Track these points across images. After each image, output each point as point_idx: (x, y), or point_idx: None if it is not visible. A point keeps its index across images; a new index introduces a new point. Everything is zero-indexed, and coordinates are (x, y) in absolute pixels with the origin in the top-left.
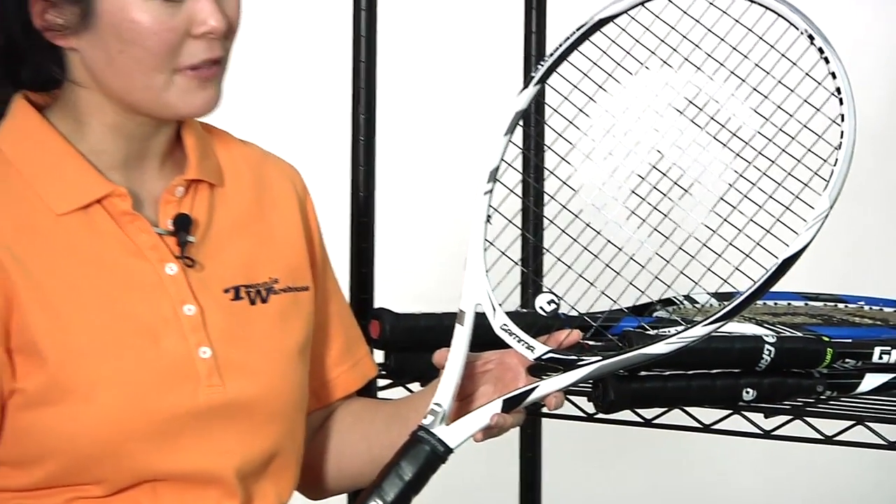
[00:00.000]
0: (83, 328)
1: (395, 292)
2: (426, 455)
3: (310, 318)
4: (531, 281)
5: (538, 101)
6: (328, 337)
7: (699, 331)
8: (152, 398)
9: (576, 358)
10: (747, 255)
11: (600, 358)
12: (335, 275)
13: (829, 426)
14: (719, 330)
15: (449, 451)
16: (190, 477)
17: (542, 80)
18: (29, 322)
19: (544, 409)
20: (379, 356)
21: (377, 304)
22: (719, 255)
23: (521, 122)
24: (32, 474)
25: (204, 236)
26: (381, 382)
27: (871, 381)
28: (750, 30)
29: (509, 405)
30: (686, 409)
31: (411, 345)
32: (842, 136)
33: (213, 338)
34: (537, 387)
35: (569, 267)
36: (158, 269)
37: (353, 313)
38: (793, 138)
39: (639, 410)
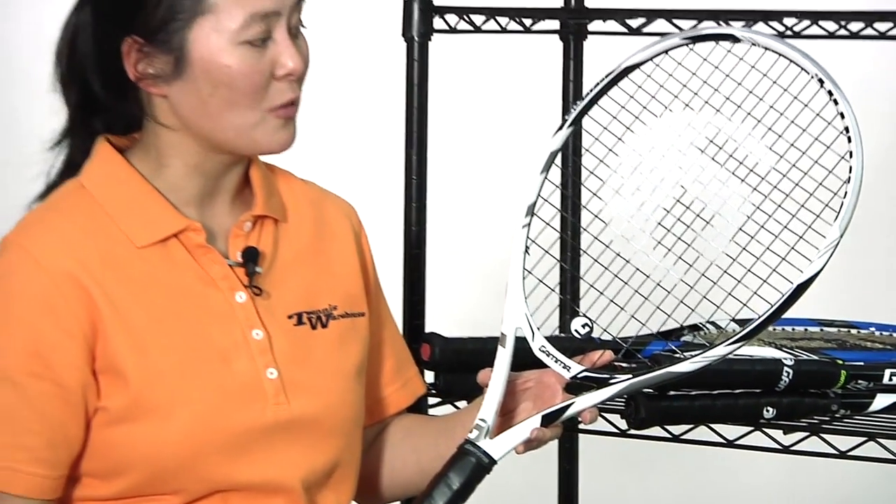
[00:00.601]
0: (162, 352)
1: (444, 318)
2: (472, 466)
3: (365, 341)
4: (567, 306)
5: (571, 142)
6: (381, 358)
7: (720, 350)
8: (225, 415)
9: (608, 376)
10: (764, 281)
11: (631, 376)
12: (387, 301)
13: (843, 442)
14: (742, 353)
15: (493, 462)
16: (259, 487)
17: (575, 123)
18: (113, 346)
19: (581, 426)
20: (429, 377)
21: (428, 328)
22: (738, 281)
23: (556, 161)
24: (115, 485)
25: (269, 267)
26: (432, 401)
27: (881, 400)
28: (765, 74)
29: (548, 420)
30: (711, 425)
31: (459, 366)
32: (850, 171)
33: (279, 360)
34: (573, 403)
35: (601, 293)
36: (229, 298)
37: (406, 338)
38: (805, 173)
39: (667, 427)
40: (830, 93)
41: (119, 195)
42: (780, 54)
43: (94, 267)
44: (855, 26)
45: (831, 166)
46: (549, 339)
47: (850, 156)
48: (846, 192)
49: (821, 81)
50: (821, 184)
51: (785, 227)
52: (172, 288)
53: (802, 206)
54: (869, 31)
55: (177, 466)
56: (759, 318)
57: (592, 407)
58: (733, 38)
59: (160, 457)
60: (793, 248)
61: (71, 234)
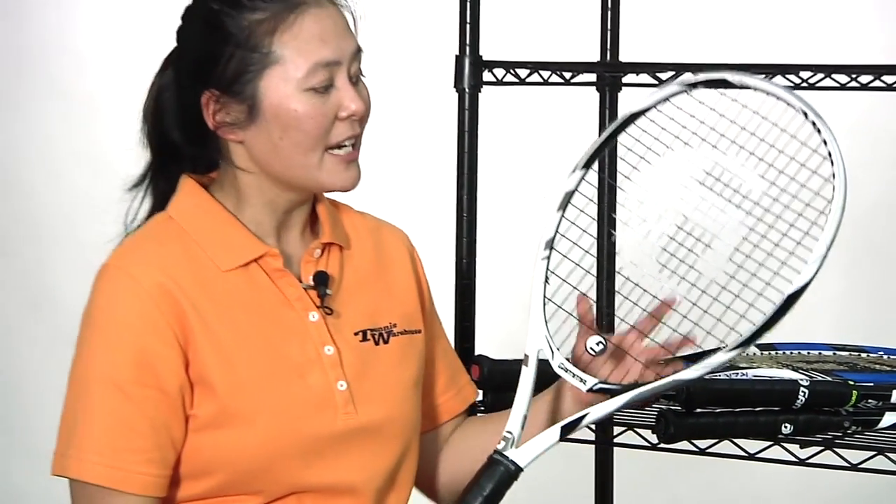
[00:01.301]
0: (246, 365)
1: (492, 342)
2: (500, 474)
3: (422, 355)
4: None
5: (599, 188)
6: (436, 370)
7: (721, 357)
8: (301, 423)
9: (620, 387)
10: (760, 294)
11: (637, 386)
12: (440, 319)
13: (854, 456)
14: (762, 374)
15: (519, 469)
16: (330, 488)
17: (587, 166)
18: (202, 358)
19: (616, 440)
20: (479, 394)
21: (477, 351)
22: (736, 296)
23: (570, 200)
24: (202, 485)
25: (337, 289)
26: (481, 416)
27: (889, 418)
28: (755, 112)
29: (566, 430)
30: (734, 440)
31: (505, 385)
32: (833, 191)
33: (347, 373)
34: (588, 413)
35: (613, 313)
36: (303, 317)
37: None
38: (794, 196)
39: (694, 441)
40: (814, 123)
41: (205, 224)
42: (767, 92)
43: (185, 285)
44: (865, 79)
45: (817, 188)
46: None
47: (833, 177)
48: (831, 210)
49: (805, 114)
50: (808, 204)
51: (776, 244)
52: (254, 308)
53: (792, 225)
54: (877, 84)
55: (257, 469)
56: (757, 326)
57: (606, 415)
58: (726, 83)
59: (243, 460)
60: (784, 263)
61: (163, 257)
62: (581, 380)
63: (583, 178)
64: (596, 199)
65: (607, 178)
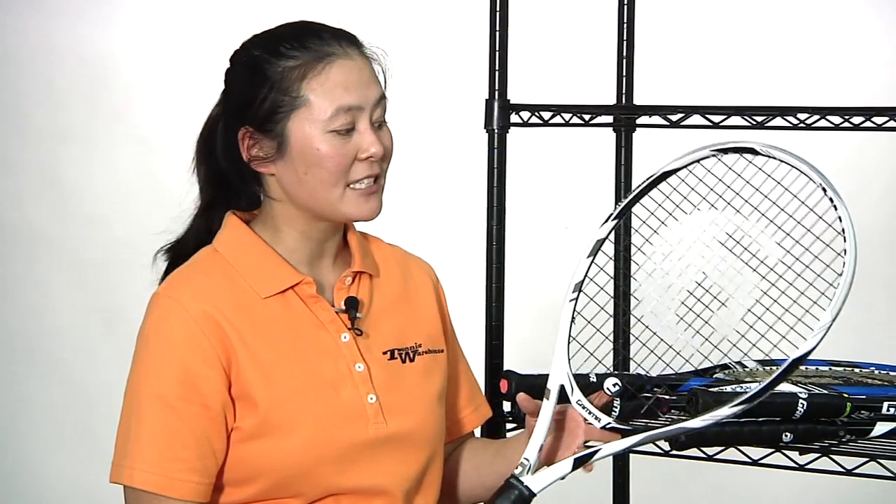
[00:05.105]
0: (284, 381)
1: (519, 358)
2: (515, 496)
3: (444, 372)
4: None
5: (622, 237)
6: (457, 387)
7: (726, 411)
8: (335, 433)
9: (630, 428)
10: (766, 356)
11: (647, 429)
12: (460, 343)
13: (849, 462)
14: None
15: (532, 494)
16: (364, 491)
17: (619, 217)
18: (244, 376)
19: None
20: (507, 406)
21: (505, 367)
22: (745, 354)
23: (601, 248)
24: (248, 490)
25: (367, 313)
26: (509, 426)
27: (881, 427)
28: (778, 182)
29: (579, 462)
30: (739, 447)
31: (531, 398)
32: (844, 266)
33: (377, 388)
34: (600, 449)
35: (631, 358)
36: (335, 338)
37: (487, 374)
38: (807, 266)
39: (703, 448)
40: (832, 199)
41: (246, 257)
42: (791, 165)
43: (228, 312)
44: (856, 120)
45: (829, 261)
46: (579, 384)
47: (845, 253)
48: (839, 284)
49: (824, 189)
50: (819, 275)
51: (786, 310)
52: (291, 330)
53: (802, 293)
54: (868, 124)
55: (298, 474)
56: (761, 386)
57: (618, 452)
58: (753, 151)
59: (284, 466)
60: (792, 328)
61: (208, 287)
62: (596, 418)
63: (613, 228)
64: (623, 250)
65: (637, 230)
